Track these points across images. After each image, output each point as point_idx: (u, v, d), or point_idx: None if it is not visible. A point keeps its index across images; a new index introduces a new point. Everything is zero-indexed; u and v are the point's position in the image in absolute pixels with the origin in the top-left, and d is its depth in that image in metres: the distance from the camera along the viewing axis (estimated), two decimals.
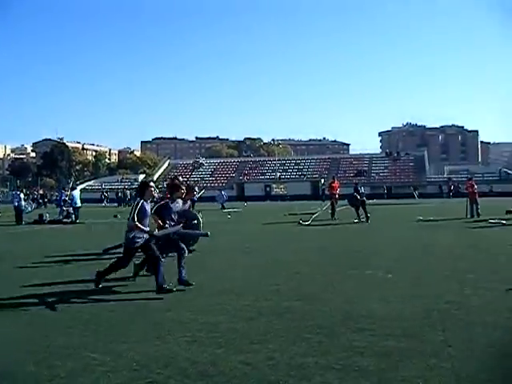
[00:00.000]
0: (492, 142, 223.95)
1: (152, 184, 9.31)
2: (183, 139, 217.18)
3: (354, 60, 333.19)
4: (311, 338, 5.96)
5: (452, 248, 14.15)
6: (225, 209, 39.63)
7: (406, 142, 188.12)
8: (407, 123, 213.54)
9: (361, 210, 25.03)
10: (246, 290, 8.88)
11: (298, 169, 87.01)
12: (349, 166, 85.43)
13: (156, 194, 10.01)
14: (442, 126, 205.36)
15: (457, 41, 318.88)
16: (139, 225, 8.64)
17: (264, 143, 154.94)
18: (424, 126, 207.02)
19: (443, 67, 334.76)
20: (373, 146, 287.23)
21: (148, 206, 9.00)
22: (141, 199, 8.84)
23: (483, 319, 6.64)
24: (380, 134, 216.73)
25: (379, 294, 8.33)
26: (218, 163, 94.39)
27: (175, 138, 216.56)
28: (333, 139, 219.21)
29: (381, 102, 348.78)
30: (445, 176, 79.76)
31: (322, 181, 69.29)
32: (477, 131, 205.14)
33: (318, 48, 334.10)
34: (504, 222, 22.15)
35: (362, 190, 26.13)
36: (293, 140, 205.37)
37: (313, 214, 28.03)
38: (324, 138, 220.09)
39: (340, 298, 8.13)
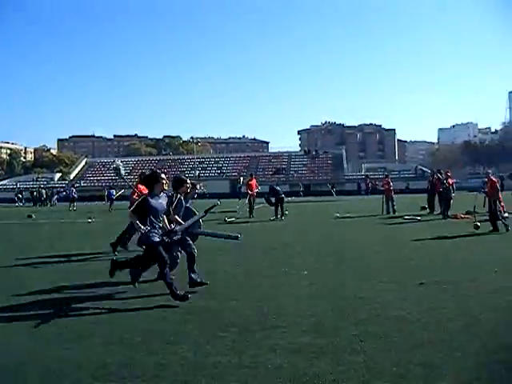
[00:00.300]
0: (409, 141, 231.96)
1: (163, 176, 8.50)
2: (101, 137, 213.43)
3: (272, 58, 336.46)
4: (225, 337, 5.93)
5: (366, 244, 14.37)
6: None
7: (325, 140, 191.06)
8: (326, 122, 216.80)
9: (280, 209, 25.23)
10: (160, 289, 8.74)
11: (217, 167, 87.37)
12: (268, 164, 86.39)
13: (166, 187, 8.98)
14: (360, 125, 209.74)
15: (373, 40, 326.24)
16: (132, 214, 8.06)
17: (183, 141, 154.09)
18: (342, 125, 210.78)
19: (361, 66, 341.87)
20: (292, 144, 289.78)
21: (161, 201, 8.22)
22: (148, 194, 8.19)
23: (396, 314, 6.77)
24: (299, 132, 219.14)
25: (294, 291, 8.37)
26: (137, 161, 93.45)
27: (93, 136, 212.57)
28: (252, 137, 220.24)
29: (300, 100, 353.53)
30: (362, 174, 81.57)
31: (242, 179, 69.41)
32: (394, 130, 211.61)
33: (236, 46, 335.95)
34: (419, 218, 22.76)
35: (278, 188, 26.25)
36: (212, 138, 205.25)
37: (234, 211, 28.19)
38: (244, 136, 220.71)
39: (254, 295, 8.13)
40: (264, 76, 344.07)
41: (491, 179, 17.75)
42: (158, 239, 7.97)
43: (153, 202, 8.04)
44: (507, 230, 16.44)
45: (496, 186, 17.45)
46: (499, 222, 16.84)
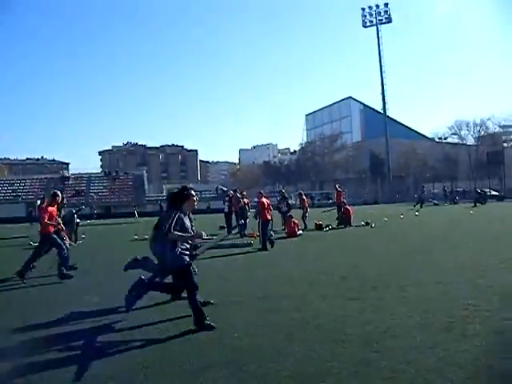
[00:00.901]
0: (211, 161, 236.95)
1: (194, 193, 7.78)
2: None
3: (71, 76, 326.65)
4: None
5: None
6: None
7: (127, 161, 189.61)
8: (128, 142, 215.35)
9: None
10: None
11: (12, 190, 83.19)
12: (67, 186, 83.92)
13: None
14: (162, 146, 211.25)
15: (167, 63, 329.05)
16: (179, 233, 7.23)
17: None
18: (144, 146, 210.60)
19: (160, 88, 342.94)
20: (94, 165, 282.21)
21: (187, 220, 7.54)
22: (178, 210, 7.40)
23: (184, 338, 6.73)
24: (100, 153, 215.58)
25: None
26: None
27: None
28: (52, 158, 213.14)
29: (102, 120, 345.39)
30: (164, 194, 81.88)
31: (38, 202, 66.79)
32: (196, 151, 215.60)
33: (30, 62, 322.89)
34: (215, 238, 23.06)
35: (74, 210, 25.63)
36: (8, 159, 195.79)
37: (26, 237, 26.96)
38: (42, 157, 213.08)
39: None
40: (62, 94, 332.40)
41: (260, 200, 18.54)
42: (188, 260, 7.48)
43: (185, 219, 7.49)
44: (272, 246, 17.84)
45: (260, 208, 18.27)
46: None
